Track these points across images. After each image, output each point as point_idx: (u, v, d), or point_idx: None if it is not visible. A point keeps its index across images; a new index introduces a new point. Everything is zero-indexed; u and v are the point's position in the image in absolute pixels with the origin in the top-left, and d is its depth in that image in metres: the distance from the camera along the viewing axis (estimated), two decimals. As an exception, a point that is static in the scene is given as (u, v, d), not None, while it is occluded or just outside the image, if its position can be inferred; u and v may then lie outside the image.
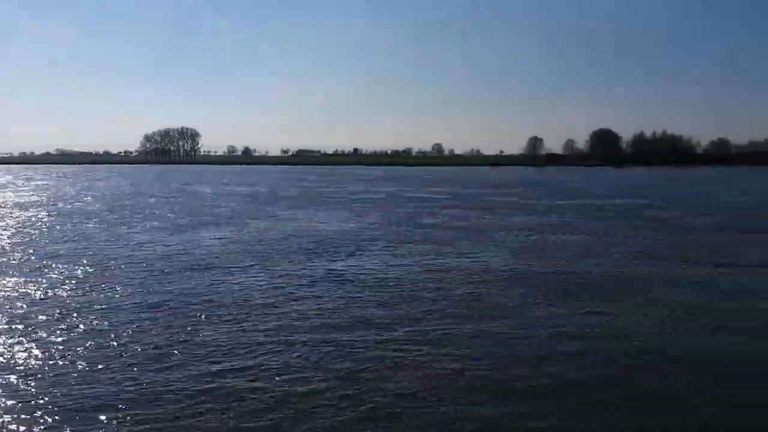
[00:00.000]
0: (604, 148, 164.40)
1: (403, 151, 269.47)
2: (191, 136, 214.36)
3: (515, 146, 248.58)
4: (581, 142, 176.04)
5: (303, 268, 16.22)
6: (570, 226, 26.17)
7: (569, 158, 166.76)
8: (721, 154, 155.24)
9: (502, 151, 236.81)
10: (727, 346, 9.94)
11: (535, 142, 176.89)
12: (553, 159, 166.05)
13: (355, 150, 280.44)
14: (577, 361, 9.08)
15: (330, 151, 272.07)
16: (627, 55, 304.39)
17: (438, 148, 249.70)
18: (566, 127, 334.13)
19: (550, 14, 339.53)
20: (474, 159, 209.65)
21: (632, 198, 44.75)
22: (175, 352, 9.35)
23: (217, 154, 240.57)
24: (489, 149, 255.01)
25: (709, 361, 9.16)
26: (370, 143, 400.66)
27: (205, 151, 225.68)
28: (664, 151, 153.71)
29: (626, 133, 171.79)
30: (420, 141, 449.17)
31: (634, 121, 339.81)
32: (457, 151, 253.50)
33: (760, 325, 11.10)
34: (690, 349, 9.73)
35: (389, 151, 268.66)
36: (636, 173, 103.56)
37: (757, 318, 11.58)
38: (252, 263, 16.96)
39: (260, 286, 14.06)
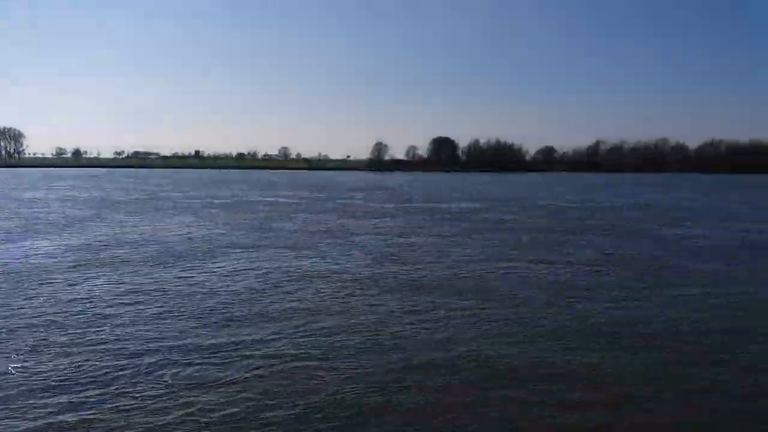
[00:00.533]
0: (443, 154, 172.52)
1: (249, 154, 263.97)
2: (14, 136, 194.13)
3: (361, 151, 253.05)
4: (423, 148, 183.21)
5: (152, 278, 15.41)
6: (418, 228, 27.15)
7: (412, 164, 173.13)
8: (547, 161, 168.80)
9: (348, 156, 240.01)
10: (562, 344, 10.84)
11: (380, 147, 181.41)
12: (397, 164, 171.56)
13: (197, 152, 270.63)
14: (433, 369, 9.45)
15: (169, 154, 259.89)
16: (466, 66, 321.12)
17: (285, 151, 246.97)
18: (410, 133, 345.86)
19: (395, 20, 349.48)
20: (321, 163, 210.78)
21: (470, 201, 47.36)
22: (9, 380, 8.50)
23: (44, 156, 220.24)
24: (336, 154, 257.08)
25: (554, 362, 9.93)
26: (212, 145, 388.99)
27: (30, 154, 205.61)
28: (496, 158, 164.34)
29: (463, 140, 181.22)
30: (266, 144, 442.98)
31: (471, 130, 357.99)
32: (305, 155, 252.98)
33: (595, 325, 12.20)
34: (534, 349, 10.50)
35: (234, 154, 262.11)
36: (471, 178, 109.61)
37: (592, 317, 12.72)
38: (95, 274, 15.80)
39: (107, 299, 13.10)
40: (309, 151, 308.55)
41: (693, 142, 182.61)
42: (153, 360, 9.14)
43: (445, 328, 11.10)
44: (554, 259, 19.13)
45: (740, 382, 8.64)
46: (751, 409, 7.77)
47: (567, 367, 9.11)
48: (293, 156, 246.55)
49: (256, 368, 8.89)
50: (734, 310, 12.68)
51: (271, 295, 13.54)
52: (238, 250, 20.04)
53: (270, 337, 10.37)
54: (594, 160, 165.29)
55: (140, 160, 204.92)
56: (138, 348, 9.70)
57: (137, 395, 7.83)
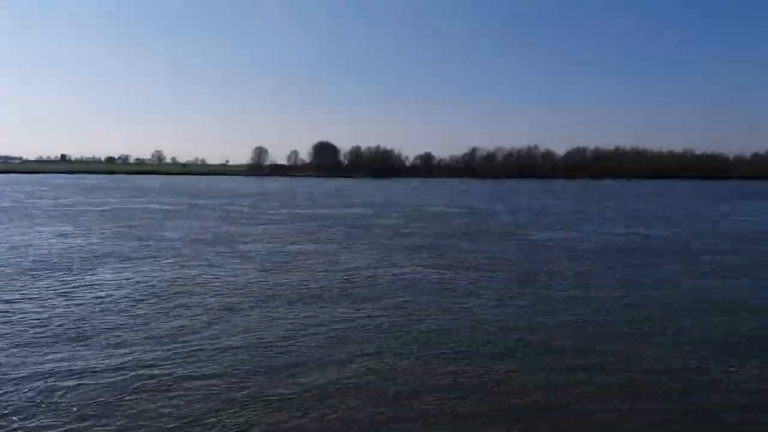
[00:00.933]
0: (325, 159, 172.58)
1: (120, 157, 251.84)
2: None
3: (240, 156, 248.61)
4: (304, 153, 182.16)
5: (27, 294, 14.30)
6: (306, 235, 27.06)
7: (293, 169, 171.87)
8: (426, 167, 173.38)
9: (227, 161, 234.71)
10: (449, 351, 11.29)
11: (261, 152, 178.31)
12: (278, 169, 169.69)
13: (63, 156, 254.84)
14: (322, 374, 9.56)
15: (33, 158, 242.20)
16: (350, 72, 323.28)
17: (159, 155, 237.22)
18: (291, 138, 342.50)
19: (277, 21, 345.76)
20: (198, 168, 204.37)
21: (354, 207, 47.79)
22: None
23: None
24: (213, 158, 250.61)
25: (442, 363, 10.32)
26: (80, 149, 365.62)
27: None
28: (378, 163, 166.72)
29: (345, 146, 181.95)
30: (139, 148, 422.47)
31: (356, 136, 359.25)
32: (180, 160, 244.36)
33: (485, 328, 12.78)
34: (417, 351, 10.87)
35: (103, 158, 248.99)
36: (354, 183, 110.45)
37: (485, 323, 13.27)
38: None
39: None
40: (185, 155, 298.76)
41: (561, 149, 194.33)
42: (36, 386, 8.51)
43: (339, 341, 11.02)
44: (443, 263, 19.78)
45: (638, 384, 9.15)
46: (661, 410, 8.16)
47: (464, 377, 9.30)
48: (168, 160, 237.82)
49: (147, 388, 8.50)
50: (619, 312, 13.64)
51: (156, 309, 12.98)
52: (118, 261, 19.07)
53: (157, 355, 9.94)
54: (471, 167, 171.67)
55: (2, 165, 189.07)
56: (18, 373, 9.00)
57: (22, 426, 7.31)
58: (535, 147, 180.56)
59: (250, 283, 16.06)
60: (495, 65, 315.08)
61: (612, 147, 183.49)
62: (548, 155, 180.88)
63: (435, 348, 10.62)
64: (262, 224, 32.37)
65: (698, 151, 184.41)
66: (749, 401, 8.46)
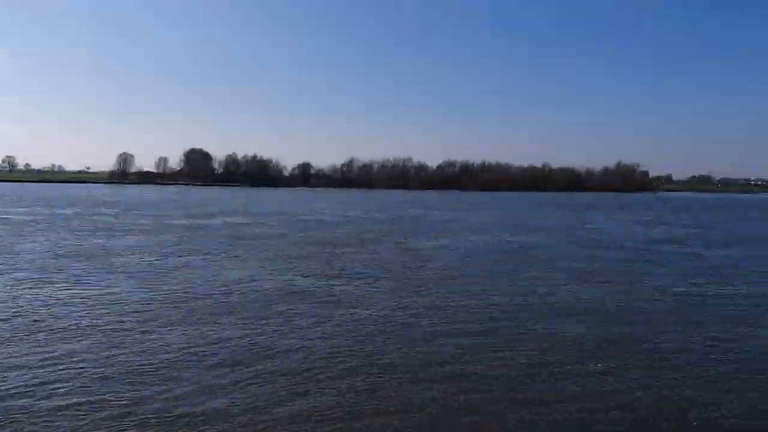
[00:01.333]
0: (197, 167, 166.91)
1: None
2: None
3: (104, 162, 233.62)
4: (175, 160, 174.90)
5: None
6: (181, 246, 25.95)
7: (162, 176, 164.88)
8: (304, 176, 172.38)
9: (88, 168, 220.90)
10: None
11: (126, 158, 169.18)
12: (145, 177, 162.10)
13: None
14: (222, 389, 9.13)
15: None
16: (236, 80, 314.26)
17: (10, 161, 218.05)
18: (161, 144, 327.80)
19: (145, 21, 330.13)
20: (56, 175, 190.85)
21: (231, 216, 46.55)
22: None
23: None
24: (73, 165, 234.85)
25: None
26: None
27: None
28: (255, 172, 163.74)
29: (220, 154, 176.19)
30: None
31: (231, 143, 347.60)
32: (35, 166, 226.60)
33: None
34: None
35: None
36: (228, 191, 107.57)
37: (370, 335, 13.27)
38: None
39: None
40: (40, 161, 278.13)
41: (433, 162, 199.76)
42: None
43: (223, 360, 10.42)
44: (326, 272, 19.68)
45: (519, 388, 9.64)
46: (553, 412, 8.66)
47: (354, 390, 9.25)
48: (21, 166, 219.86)
49: (4, 421, 7.74)
50: (494, 318, 14.24)
51: (14, 331, 11.87)
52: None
53: (16, 383, 9.01)
54: (348, 177, 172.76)
55: None
56: None
57: None
58: (409, 159, 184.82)
59: (123, 300, 15.05)
60: (378, 77, 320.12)
61: (479, 161, 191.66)
62: (421, 168, 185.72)
63: (324, 364, 10.42)
64: (131, 235, 30.60)
65: (555, 166, 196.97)
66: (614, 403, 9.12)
